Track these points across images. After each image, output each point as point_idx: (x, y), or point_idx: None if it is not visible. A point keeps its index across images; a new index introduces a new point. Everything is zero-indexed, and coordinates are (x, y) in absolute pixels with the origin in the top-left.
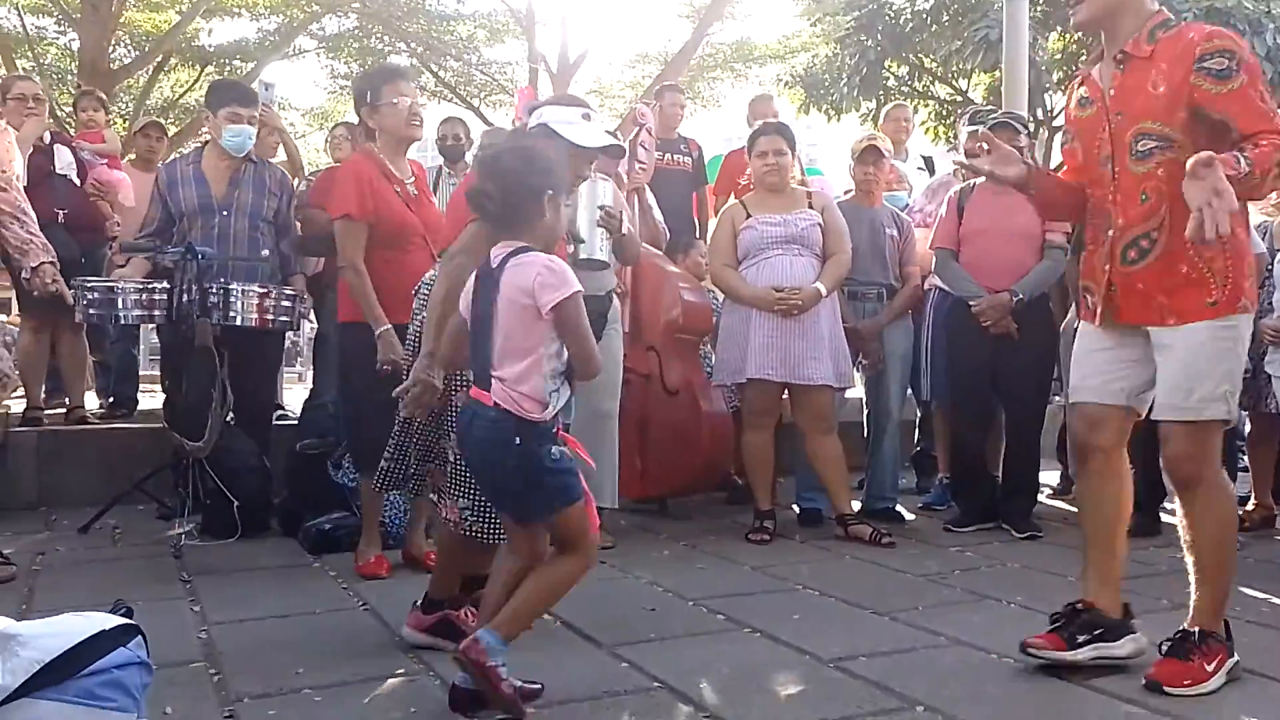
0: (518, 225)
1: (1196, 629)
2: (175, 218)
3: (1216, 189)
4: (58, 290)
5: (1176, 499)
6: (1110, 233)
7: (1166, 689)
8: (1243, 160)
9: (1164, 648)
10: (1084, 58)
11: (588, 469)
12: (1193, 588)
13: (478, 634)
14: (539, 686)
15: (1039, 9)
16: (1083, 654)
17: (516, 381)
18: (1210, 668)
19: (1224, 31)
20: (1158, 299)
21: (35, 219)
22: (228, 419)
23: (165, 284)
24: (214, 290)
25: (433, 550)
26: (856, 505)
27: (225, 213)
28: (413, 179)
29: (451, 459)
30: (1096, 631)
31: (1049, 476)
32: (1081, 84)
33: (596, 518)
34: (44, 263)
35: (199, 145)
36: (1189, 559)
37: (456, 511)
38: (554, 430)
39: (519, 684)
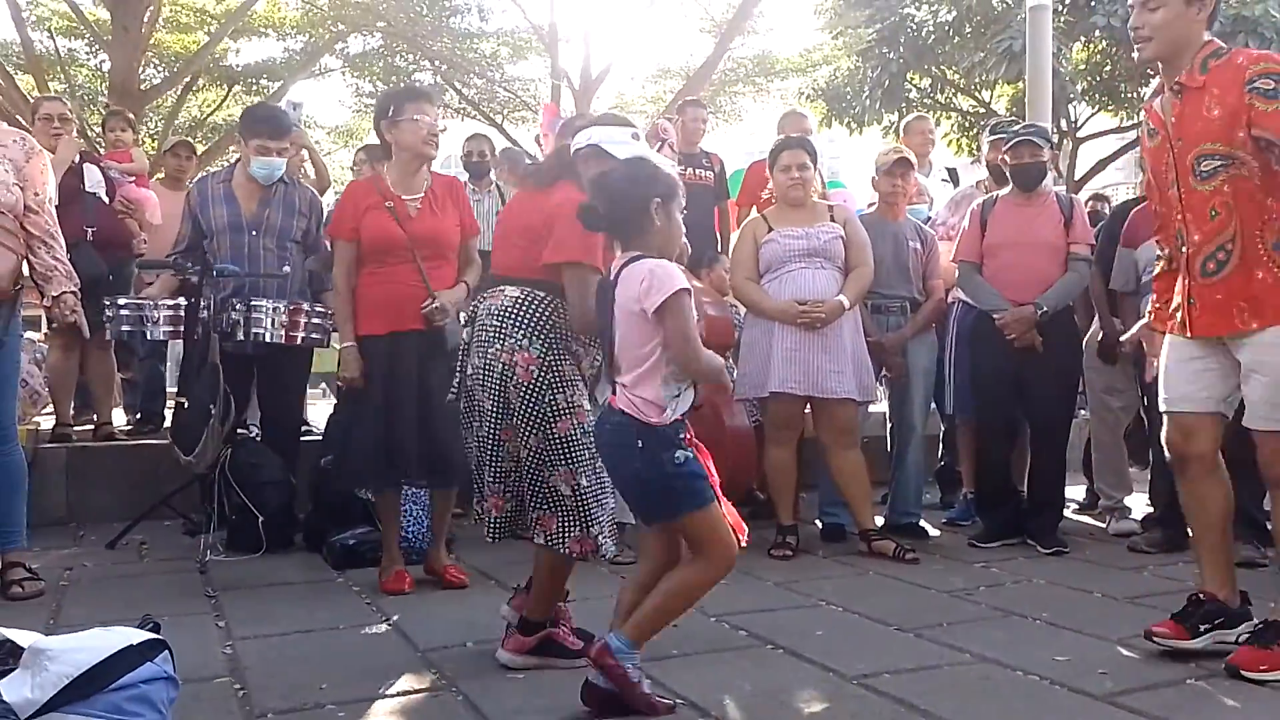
0: (630, 235)
1: (1277, 620)
2: (206, 235)
3: None
4: (77, 321)
5: (1272, 499)
6: (1185, 250)
7: (1244, 672)
8: None
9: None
10: (1107, 68)
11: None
12: None
13: (605, 638)
14: (671, 704)
15: (1062, 19)
16: (1200, 641)
17: (634, 386)
18: None
19: (1272, 55)
20: (1238, 305)
21: (63, 244)
22: (253, 435)
23: (181, 300)
24: (237, 306)
25: (452, 566)
26: (880, 520)
27: (254, 232)
28: (421, 195)
29: (567, 491)
30: (1217, 620)
31: (1075, 491)
32: (1147, 117)
33: (741, 522)
34: (65, 292)
35: (231, 164)
36: (1277, 555)
37: (591, 542)
38: (680, 435)
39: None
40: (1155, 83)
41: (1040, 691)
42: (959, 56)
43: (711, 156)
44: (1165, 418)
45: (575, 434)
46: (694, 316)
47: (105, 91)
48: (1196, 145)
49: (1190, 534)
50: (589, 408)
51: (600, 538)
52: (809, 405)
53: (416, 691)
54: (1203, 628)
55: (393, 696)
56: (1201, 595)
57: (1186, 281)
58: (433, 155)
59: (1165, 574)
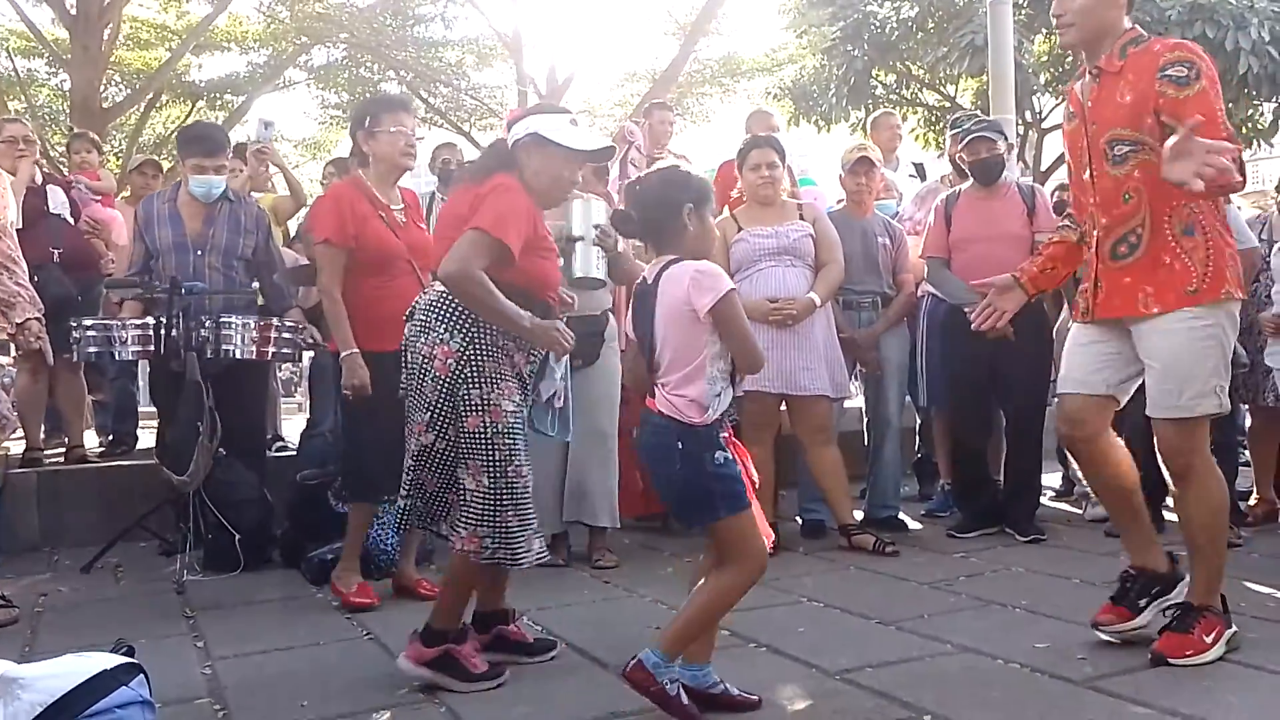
0: (663, 241)
1: (1194, 604)
2: (153, 254)
3: (1205, 149)
4: (41, 348)
5: (1175, 490)
6: (1097, 233)
7: (1170, 660)
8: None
9: (1168, 623)
10: (1069, 59)
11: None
12: (1190, 568)
13: (640, 656)
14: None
15: (1023, 13)
16: (1146, 615)
17: (678, 387)
18: (1209, 639)
19: (1188, 44)
20: (1144, 290)
21: (25, 269)
22: (218, 451)
23: (150, 320)
24: (207, 324)
25: (424, 579)
26: (859, 515)
27: (199, 251)
28: (402, 206)
29: (471, 486)
30: (1154, 591)
31: (1051, 479)
32: (1069, 101)
33: (769, 528)
34: (29, 319)
35: (176, 183)
36: (1186, 542)
37: (476, 541)
38: (720, 435)
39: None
40: (1080, 68)
41: (1021, 679)
42: (922, 52)
43: (680, 158)
44: (1058, 401)
45: (486, 432)
46: (743, 313)
47: (67, 111)
48: (1109, 129)
49: (1109, 513)
50: (509, 408)
51: (487, 540)
52: (784, 403)
53: (399, 705)
54: (1142, 602)
55: (374, 711)
56: (1131, 570)
57: (1095, 265)
58: (410, 166)
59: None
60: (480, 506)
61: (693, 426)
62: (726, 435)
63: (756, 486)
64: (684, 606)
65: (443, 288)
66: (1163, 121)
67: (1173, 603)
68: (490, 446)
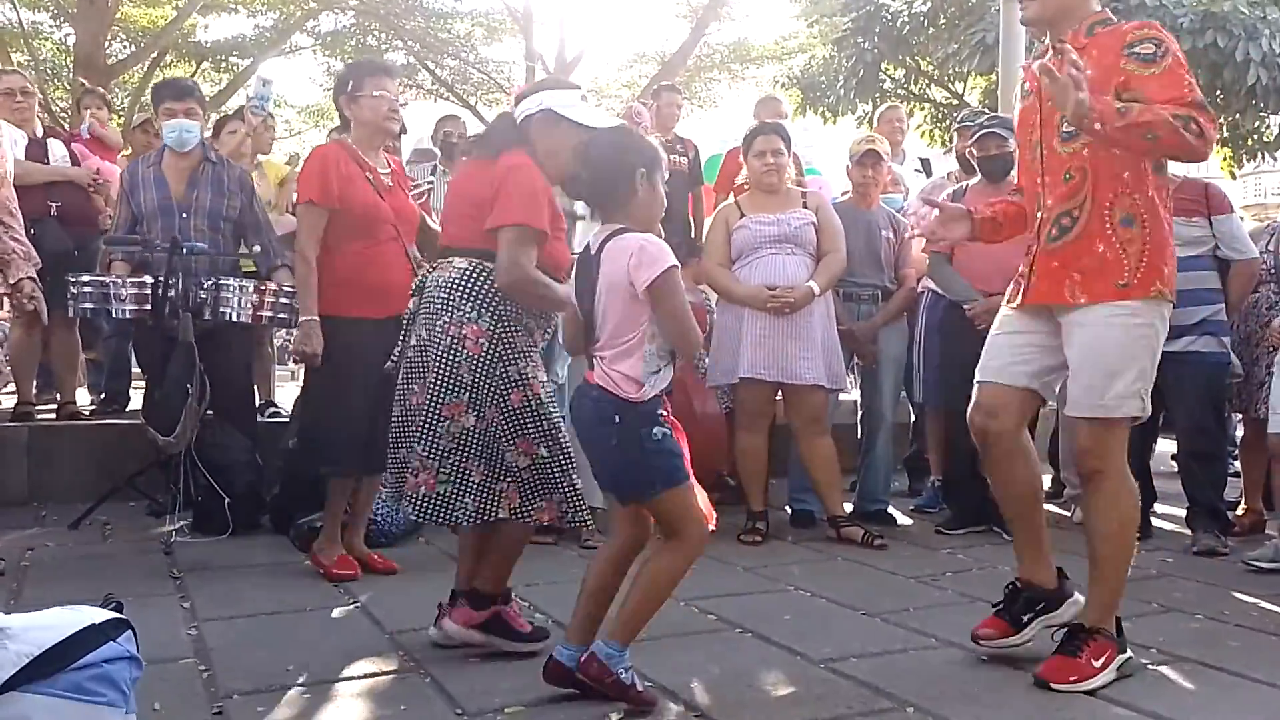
0: (611, 207)
1: (1091, 624)
2: (138, 219)
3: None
4: (35, 308)
5: (1083, 494)
6: (1040, 214)
7: (1053, 686)
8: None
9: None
10: None
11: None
12: (1089, 584)
13: (593, 648)
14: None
15: None
16: (1029, 632)
17: (614, 361)
18: (1098, 663)
19: (1155, 24)
20: (1071, 277)
21: (22, 223)
22: (205, 413)
23: (146, 279)
24: (206, 285)
25: (376, 554)
26: (849, 507)
27: (184, 214)
28: (389, 171)
29: (526, 463)
30: (1038, 607)
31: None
32: (1025, 78)
33: (710, 508)
34: (23, 278)
35: (161, 147)
36: (1089, 553)
37: (555, 509)
38: (658, 412)
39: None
40: (1040, 46)
41: (1004, 675)
42: (933, 48)
43: (686, 142)
44: (974, 390)
45: (532, 405)
46: (684, 294)
47: (70, 66)
48: None
49: (1005, 517)
50: (544, 379)
51: (563, 505)
52: (780, 392)
53: (384, 673)
54: (1025, 618)
55: (360, 678)
56: (1018, 583)
57: (1034, 249)
58: (394, 131)
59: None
60: (548, 476)
61: (629, 401)
62: (665, 414)
63: (692, 470)
64: (629, 591)
65: (463, 264)
66: (1124, 99)
67: (1057, 622)
68: (538, 417)
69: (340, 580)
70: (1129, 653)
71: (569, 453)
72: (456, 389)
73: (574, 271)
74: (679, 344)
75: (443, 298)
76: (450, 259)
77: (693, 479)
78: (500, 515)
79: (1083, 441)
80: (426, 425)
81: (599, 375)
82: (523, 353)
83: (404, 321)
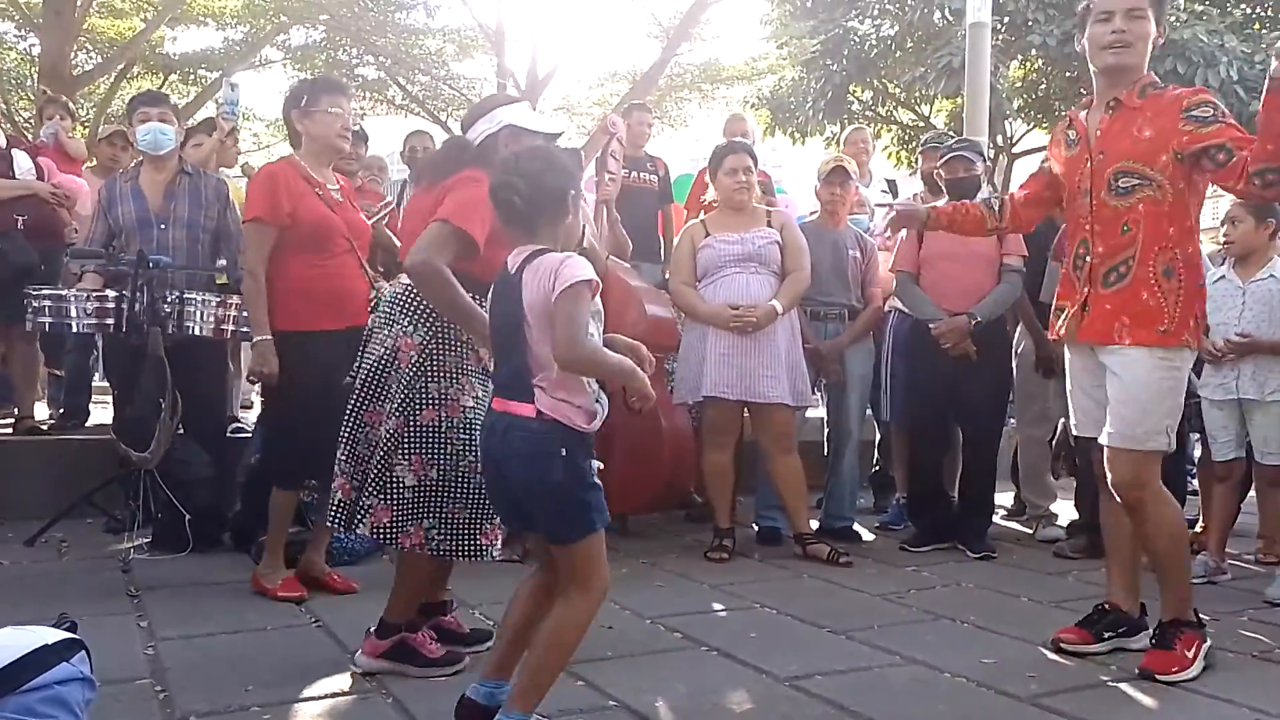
0: (540, 227)
1: (1173, 619)
2: (115, 233)
3: None
4: None
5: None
6: (1089, 259)
7: (1159, 677)
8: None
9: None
10: (1042, 86)
11: None
12: (1162, 590)
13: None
14: None
15: (1000, 38)
16: (1103, 645)
17: (562, 389)
18: (1190, 654)
19: (1206, 90)
20: (1121, 320)
21: None
22: (177, 430)
23: (114, 293)
24: (169, 299)
25: (335, 573)
26: (815, 524)
27: (163, 226)
28: (338, 187)
29: (412, 481)
30: (1120, 630)
31: (1004, 498)
32: (1070, 125)
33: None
34: None
35: (139, 161)
36: (1153, 566)
37: (421, 534)
38: (591, 444)
39: None
40: (1086, 98)
41: (967, 693)
42: (900, 70)
43: (656, 161)
44: (1082, 440)
45: (440, 426)
46: (589, 309)
47: (35, 76)
48: (1119, 161)
49: (1106, 542)
50: (469, 404)
51: (432, 533)
52: (746, 410)
53: (345, 694)
54: (1106, 634)
55: (320, 699)
56: (1107, 605)
57: (1088, 289)
58: (345, 149)
59: (1089, 579)
60: (425, 499)
61: (580, 433)
62: (593, 444)
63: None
64: (527, 657)
65: (406, 280)
66: (1178, 160)
67: (1132, 647)
68: (443, 440)
69: (286, 602)
70: (1209, 641)
71: (470, 483)
72: (381, 398)
73: (490, 295)
74: (560, 354)
75: (386, 312)
76: (400, 275)
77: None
78: (359, 530)
79: (1120, 473)
80: (349, 431)
81: (545, 404)
82: (450, 373)
83: (364, 338)
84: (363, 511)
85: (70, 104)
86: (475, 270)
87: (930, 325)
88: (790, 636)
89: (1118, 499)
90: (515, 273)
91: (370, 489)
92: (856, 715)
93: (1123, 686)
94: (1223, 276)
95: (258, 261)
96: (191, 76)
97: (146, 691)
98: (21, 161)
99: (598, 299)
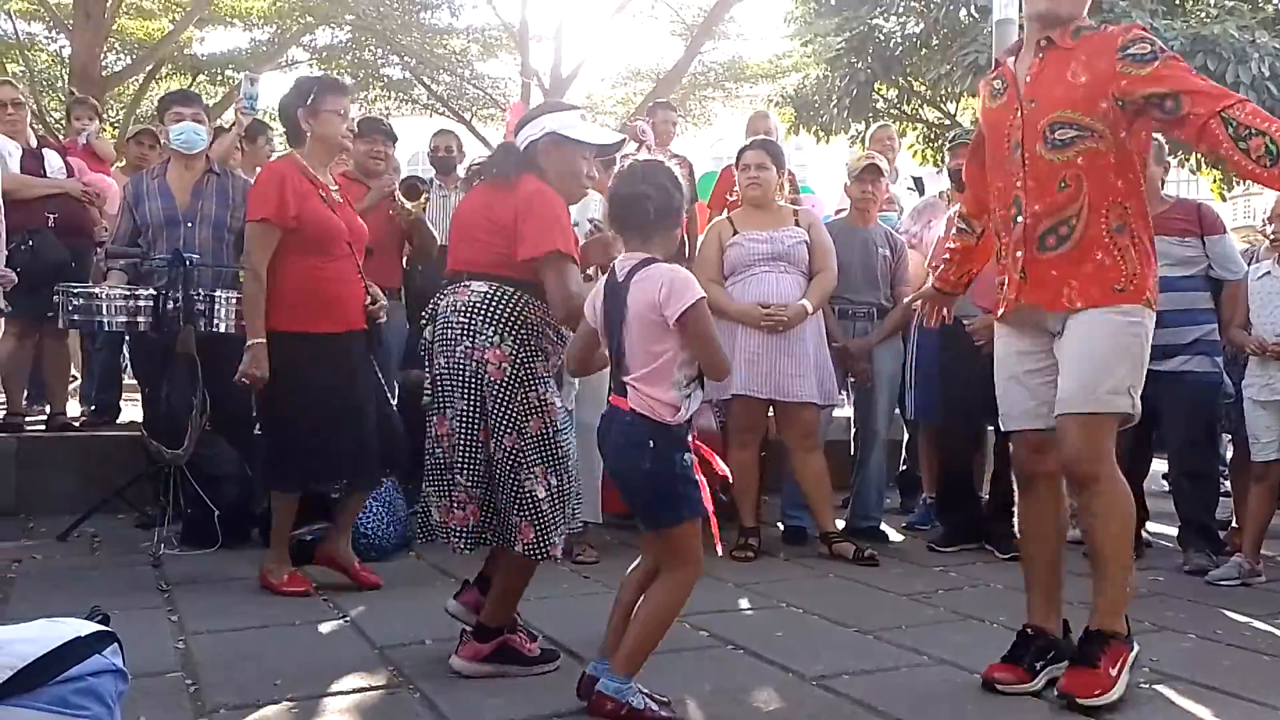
0: (654, 238)
1: (1099, 629)
2: (141, 230)
3: None
4: None
5: (1079, 500)
6: (1021, 219)
7: (1079, 700)
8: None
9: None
10: None
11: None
12: (1096, 588)
13: (598, 686)
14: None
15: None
16: (1042, 679)
17: (649, 386)
18: (1114, 671)
19: (1139, 25)
20: (1069, 284)
21: (4, 234)
22: (205, 426)
23: (150, 291)
24: (200, 297)
25: (366, 567)
26: (841, 523)
27: (190, 224)
28: (337, 188)
29: (543, 493)
30: (1049, 656)
31: None
32: (997, 75)
33: (718, 533)
34: None
35: (166, 159)
36: (1091, 556)
37: (543, 541)
38: (687, 437)
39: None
40: (1014, 42)
41: (996, 694)
42: (925, 68)
43: (681, 159)
44: (1011, 436)
45: (548, 431)
46: (712, 321)
47: (65, 77)
48: (1052, 110)
49: (1024, 557)
50: (559, 404)
51: (553, 537)
52: (772, 408)
53: (373, 689)
54: (1038, 665)
55: (348, 694)
56: (1029, 629)
57: (1021, 253)
58: (348, 148)
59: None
60: (550, 507)
61: (665, 425)
62: (692, 438)
63: (709, 495)
64: (631, 624)
65: (483, 288)
66: (1120, 106)
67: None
68: (553, 445)
69: (285, 594)
70: (1136, 646)
71: (574, 485)
72: (485, 414)
73: (601, 295)
74: (710, 369)
75: (463, 323)
76: (467, 283)
77: (710, 509)
78: (517, 549)
79: (1074, 444)
80: (465, 455)
81: (635, 400)
82: (541, 378)
83: (421, 352)
84: (512, 530)
85: (98, 105)
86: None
87: (964, 322)
88: (817, 636)
89: (1059, 483)
90: (624, 279)
91: (513, 507)
92: (884, 715)
93: (1155, 689)
94: (1267, 273)
95: (263, 262)
96: (219, 77)
97: (177, 685)
98: (53, 161)
99: None
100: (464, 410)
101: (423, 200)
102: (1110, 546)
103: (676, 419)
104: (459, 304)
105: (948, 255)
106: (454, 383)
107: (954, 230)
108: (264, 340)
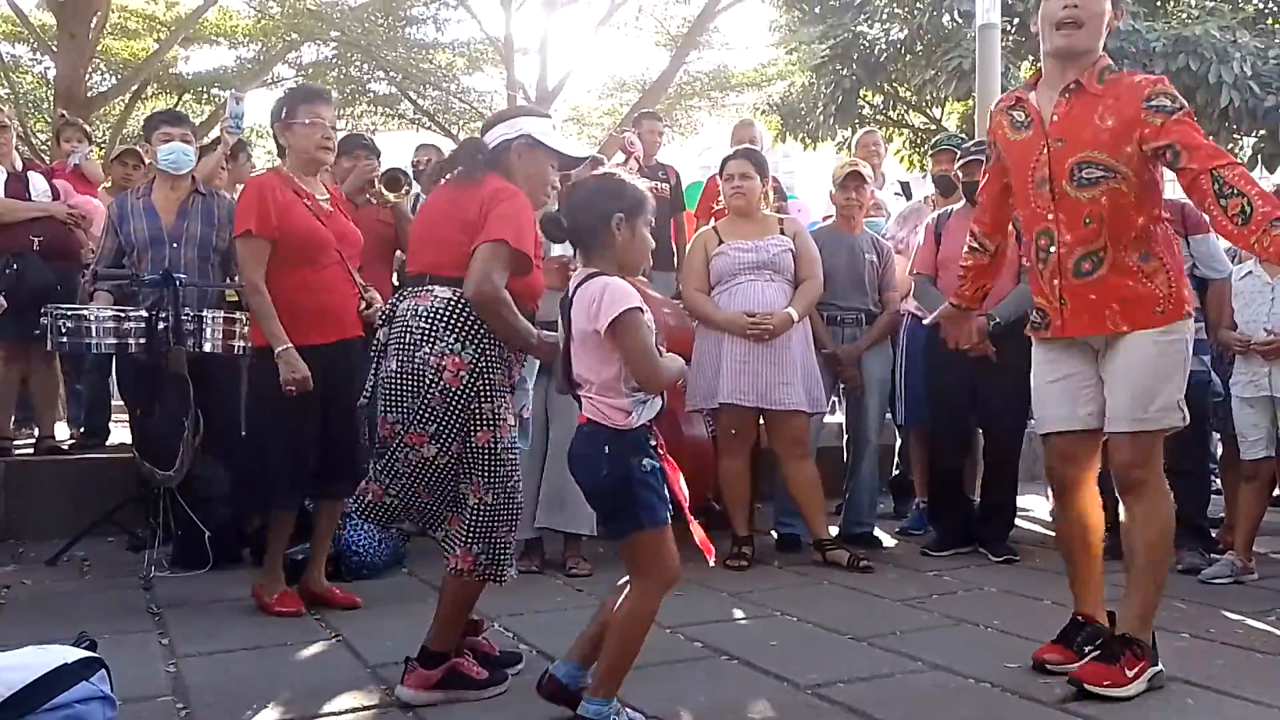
0: (591, 250)
1: (1124, 633)
2: (125, 250)
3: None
4: None
5: (1123, 501)
6: (1054, 250)
7: (1087, 686)
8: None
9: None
10: None
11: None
12: (1126, 594)
13: (579, 710)
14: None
15: (1011, 39)
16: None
17: (599, 395)
18: (1131, 673)
19: (1163, 79)
20: (1110, 307)
21: None
22: (196, 447)
23: (140, 311)
24: (189, 317)
25: (337, 587)
26: (834, 530)
27: (175, 244)
28: (327, 197)
29: (473, 503)
30: (1098, 642)
31: (1025, 500)
32: (1015, 106)
33: (708, 543)
34: None
35: (150, 179)
36: (1127, 564)
37: (471, 559)
38: (649, 442)
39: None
40: (1031, 77)
41: (992, 699)
42: (910, 74)
43: (667, 169)
44: (1044, 440)
45: (495, 447)
46: (650, 329)
47: (50, 98)
48: (1081, 150)
49: (1065, 555)
50: (512, 422)
51: (481, 558)
52: (762, 417)
53: (365, 709)
54: (1087, 649)
55: (341, 714)
56: (1081, 617)
57: (1058, 281)
58: (328, 161)
59: (1114, 580)
60: (479, 523)
61: (619, 430)
62: (659, 445)
63: (687, 504)
64: (602, 651)
65: (446, 293)
66: (1152, 149)
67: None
68: (497, 462)
69: (283, 617)
70: (1160, 666)
71: (514, 505)
72: (424, 419)
73: (559, 316)
74: (643, 382)
75: (423, 328)
76: (429, 287)
77: (689, 517)
78: (450, 569)
79: (1125, 455)
80: (388, 449)
81: (588, 409)
82: (498, 390)
83: (373, 353)
84: (434, 520)
85: (86, 127)
86: (513, 287)
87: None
88: (811, 644)
89: (1093, 483)
90: (571, 294)
91: (443, 504)
92: None
93: (1152, 692)
94: (1249, 272)
95: (257, 275)
96: (205, 95)
97: (169, 709)
98: (38, 183)
99: (648, 314)
100: (410, 413)
101: (404, 192)
102: (1145, 554)
103: (629, 423)
104: (420, 309)
105: (962, 273)
106: (406, 386)
107: (966, 248)
108: (290, 345)
